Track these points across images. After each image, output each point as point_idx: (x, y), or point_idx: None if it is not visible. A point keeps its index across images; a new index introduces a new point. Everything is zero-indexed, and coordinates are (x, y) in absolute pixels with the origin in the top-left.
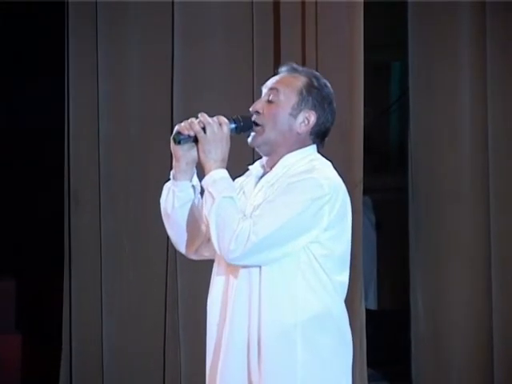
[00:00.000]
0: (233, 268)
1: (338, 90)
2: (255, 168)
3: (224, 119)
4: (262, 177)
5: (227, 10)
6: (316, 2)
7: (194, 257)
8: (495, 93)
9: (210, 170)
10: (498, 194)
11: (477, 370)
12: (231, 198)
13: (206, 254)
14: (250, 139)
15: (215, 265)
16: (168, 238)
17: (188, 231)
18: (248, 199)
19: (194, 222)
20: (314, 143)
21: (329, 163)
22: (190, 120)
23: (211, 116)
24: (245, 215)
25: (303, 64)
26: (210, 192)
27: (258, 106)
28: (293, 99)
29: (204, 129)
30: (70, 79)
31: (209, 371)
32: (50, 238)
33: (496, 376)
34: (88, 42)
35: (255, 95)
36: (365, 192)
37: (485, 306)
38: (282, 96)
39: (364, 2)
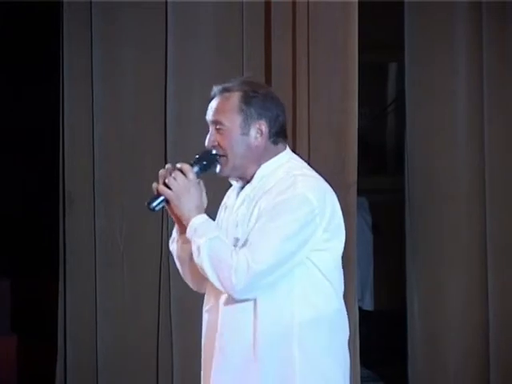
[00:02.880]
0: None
1: (331, 91)
2: (235, 181)
3: (187, 167)
4: (242, 187)
5: (219, 10)
6: (308, 3)
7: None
8: (492, 93)
9: (189, 222)
10: (494, 195)
11: (473, 370)
12: (217, 237)
13: None
14: (217, 171)
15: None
16: (162, 237)
17: (200, 277)
18: (231, 213)
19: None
20: (280, 144)
21: (305, 164)
22: (153, 184)
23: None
24: (236, 245)
25: (294, 65)
26: (194, 241)
27: (212, 139)
28: (237, 120)
29: (167, 185)
30: (64, 79)
31: (203, 373)
32: (45, 238)
33: (492, 376)
34: (82, 42)
35: None
36: (361, 193)
37: (481, 307)
38: (226, 122)
39: (360, 2)
